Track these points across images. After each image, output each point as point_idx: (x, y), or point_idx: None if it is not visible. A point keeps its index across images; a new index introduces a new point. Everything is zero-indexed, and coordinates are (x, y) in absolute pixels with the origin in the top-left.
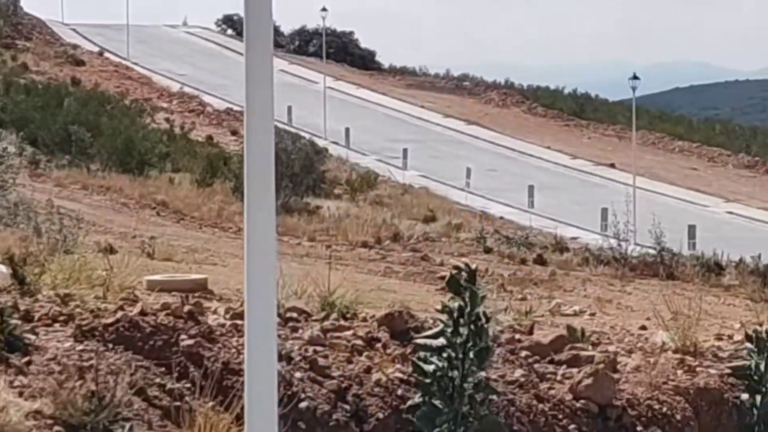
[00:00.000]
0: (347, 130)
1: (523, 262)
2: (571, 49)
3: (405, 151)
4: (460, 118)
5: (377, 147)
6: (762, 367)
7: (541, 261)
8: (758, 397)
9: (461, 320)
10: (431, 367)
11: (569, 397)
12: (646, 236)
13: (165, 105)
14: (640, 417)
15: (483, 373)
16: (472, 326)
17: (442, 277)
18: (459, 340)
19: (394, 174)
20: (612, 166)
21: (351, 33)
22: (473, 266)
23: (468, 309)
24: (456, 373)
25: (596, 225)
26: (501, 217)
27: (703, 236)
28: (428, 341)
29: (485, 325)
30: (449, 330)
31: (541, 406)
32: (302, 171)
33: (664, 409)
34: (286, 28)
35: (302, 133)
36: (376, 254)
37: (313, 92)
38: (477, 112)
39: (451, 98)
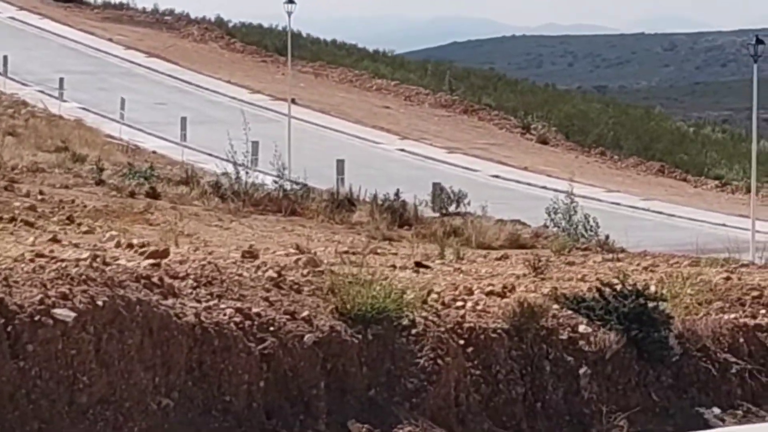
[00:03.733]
0: (5, 57)
1: (132, 195)
2: (357, 2)
3: (62, 80)
4: (144, 50)
5: (43, 78)
6: None
7: (154, 194)
8: None
9: None
10: None
11: None
12: (301, 172)
13: None
14: None
15: None
16: None
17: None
18: None
19: (50, 105)
20: (292, 101)
21: None
22: None
23: None
24: None
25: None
26: (154, 152)
27: (368, 173)
28: None
29: None
30: None
31: None
32: None
33: None
34: None
35: None
36: None
37: None
38: (169, 46)
39: (146, 32)
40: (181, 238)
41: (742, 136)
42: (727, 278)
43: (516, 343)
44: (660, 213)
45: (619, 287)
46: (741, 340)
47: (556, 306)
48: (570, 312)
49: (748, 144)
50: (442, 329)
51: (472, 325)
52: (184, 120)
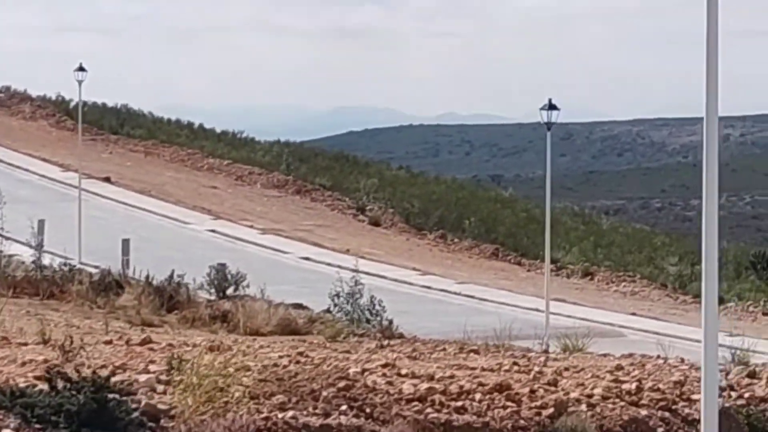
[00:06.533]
0: None
1: None
2: (257, 92)
3: None
4: None
5: None
6: None
7: None
8: None
9: None
10: None
11: None
12: (93, 252)
13: None
14: None
15: None
16: None
17: None
18: None
19: None
20: (107, 180)
21: None
22: None
23: None
24: None
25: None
26: None
27: (169, 255)
28: None
29: None
30: None
31: None
32: None
33: None
34: None
35: None
36: None
37: None
38: None
39: None
40: None
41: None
42: (385, 365)
43: None
44: (471, 297)
45: (75, 376)
46: None
47: None
48: None
49: (602, 226)
50: None
51: None
52: None
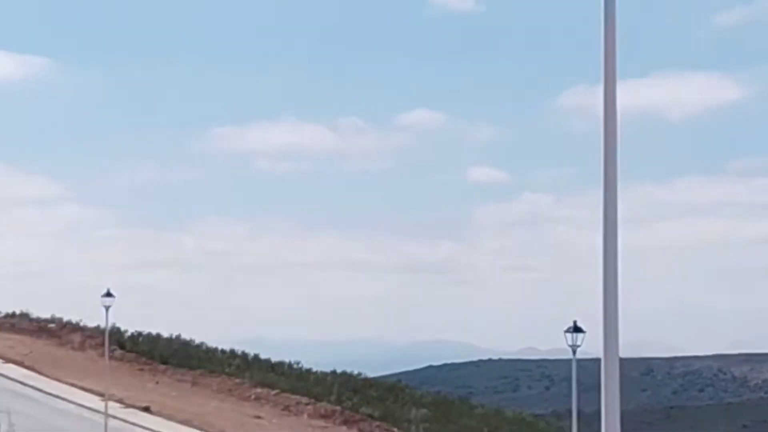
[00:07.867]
0: None
1: None
2: (334, 325)
3: None
4: (6, 357)
5: None
6: None
7: None
8: None
9: None
10: None
11: None
12: None
13: None
14: None
15: None
16: None
17: None
18: None
19: None
20: (146, 409)
21: None
22: None
23: None
24: None
25: None
26: None
27: None
28: None
29: None
30: None
31: None
32: None
33: None
34: None
35: None
36: None
37: None
38: (40, 353)
39: (23, 339)
40: None
41: None
42: None
43: None
44: None
45: None
46: None
47: None
48: None
49: None
50: None
51: None
52: None
